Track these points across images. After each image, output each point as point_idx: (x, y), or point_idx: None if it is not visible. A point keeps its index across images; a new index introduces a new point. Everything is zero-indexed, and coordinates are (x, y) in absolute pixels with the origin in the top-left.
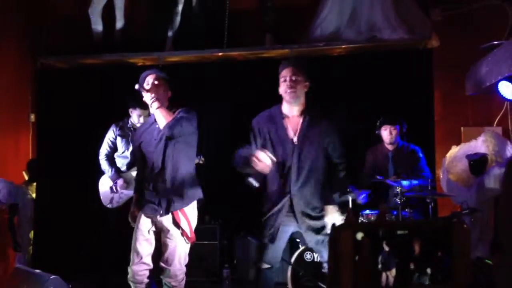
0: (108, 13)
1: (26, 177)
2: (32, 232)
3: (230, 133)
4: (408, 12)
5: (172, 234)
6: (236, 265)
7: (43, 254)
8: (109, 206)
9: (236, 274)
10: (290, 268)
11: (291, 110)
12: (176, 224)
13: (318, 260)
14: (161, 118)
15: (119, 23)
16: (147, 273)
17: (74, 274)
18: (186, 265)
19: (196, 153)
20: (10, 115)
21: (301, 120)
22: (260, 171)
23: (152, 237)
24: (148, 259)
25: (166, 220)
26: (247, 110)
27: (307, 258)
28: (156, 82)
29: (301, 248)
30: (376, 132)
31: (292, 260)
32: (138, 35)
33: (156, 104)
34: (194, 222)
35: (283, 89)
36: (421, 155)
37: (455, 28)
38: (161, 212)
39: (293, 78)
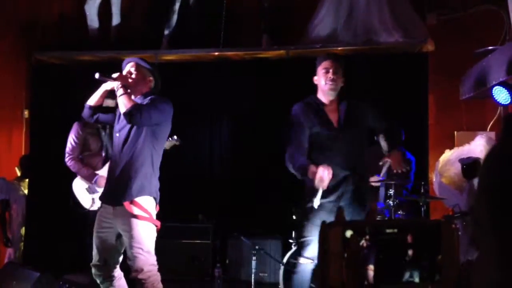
0: (104, 10)
1: (19, 173)
2: (23, 228)
3: (225, 132)
4: (404, 16)
5: (126, 223)
6: (228, 264)
7: (34, 250)
8: (93, 208)
9: (228, 274)
10: (282, 268)
11: (328, 99)
12: (130, 214)
13: None
14: (122, 105)
15: (115, 20)
16: (105, 270)
17: (65, 270)
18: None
19: (170, 136)
20: (3, 110)
21: (339, 107)
22: (317, 186)
23: (111, 236)
24: (103, 258)
25: (119, 213)
26: (242, 110)
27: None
28: (133, 70)
29: (294, 248)
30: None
31: (284, 260)
32: (134, 32)
33: (120, 91)
34: (152, 211)
35: (323, 79)
36: (413, 166)
37: (450, 32)
38: (111, 200)
39: (335, 70)
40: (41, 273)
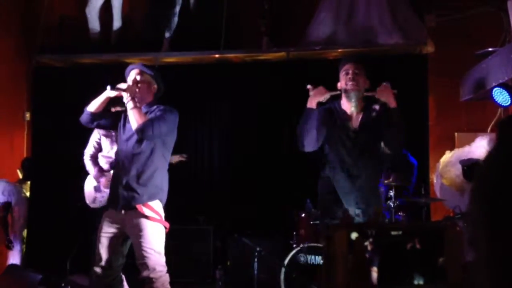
0: (105, 13)
1: (21, 176)
2: (25, 230)
3: (225, 134)
4: (403, 18)
5: (137, 224)
6: (230, 266)
7: (36, 252)
8: (92, 206)
9: (229, 276)
10: (283, 269)
11: (350, 107)
12: (141, 215)
13: (311, 263)
14: (133, 120)
15: (116, 23)
16: (108, 273)
17: (67, 273)
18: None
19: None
20: (5, 113)
21: (360, 116)
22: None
23: (116, 239)
24: (108, 261)
25: (128, 215)
26: (243, 112)
27: (300, 260)
28: (138, 78)
29: (295, 249)
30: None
31: (285, 262)
32: (135, 35)
33: (131, 104)
34: (162, 213)
35: (343, 81)
36: (415, 170)
37: (450, 34)
38: (118, 204)
39: (356, 71)
40: (43, 275)
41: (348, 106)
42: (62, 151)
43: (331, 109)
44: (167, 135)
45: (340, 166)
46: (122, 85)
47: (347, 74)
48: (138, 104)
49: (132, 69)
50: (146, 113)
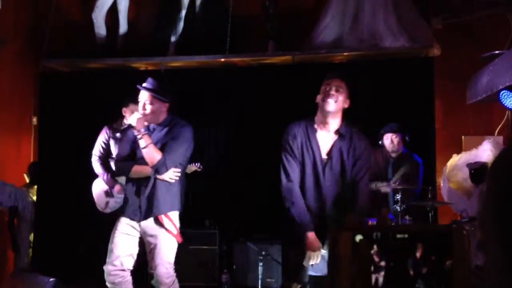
0: (111, 18)
1: (27, 180)
2: (32, 234)
3: (231, 138)
4: (409, 21)
5: (155, 235)
6: (235, 270)
7: (43, 256)
8: (105, 211)
9: (235, 280)
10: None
11: (325, 125)
12: (160, 224)
13: None
14: (148, 158)
15: (122, 28)
16: (119, 273)
17: (73, 277)
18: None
19: (192, 160)
20: (12, 117)
21: (335, 138)
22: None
23: (130, 241)
24: (120, 261)
25: (148, 223)
26: (249, 116)
27: None
28: (148, 102)
29: None
30: (379, 142)
31: None
32: (141, 40)
33: (143, 143)
34: (178, 224)
35: (321, 96)
36: (421, 169)
37: (456, 37)
38: (140, 216)
39: (338, 88)
40: (55, 278)
41: (323, 124)
42: (68, 156)
43: (306, 128)
44: (184, 156)
45: (312, 194)
46: (132, 119)
47: (327, 88)
48: (151, 143)
49: (143, 90)
50: (162, 130)
